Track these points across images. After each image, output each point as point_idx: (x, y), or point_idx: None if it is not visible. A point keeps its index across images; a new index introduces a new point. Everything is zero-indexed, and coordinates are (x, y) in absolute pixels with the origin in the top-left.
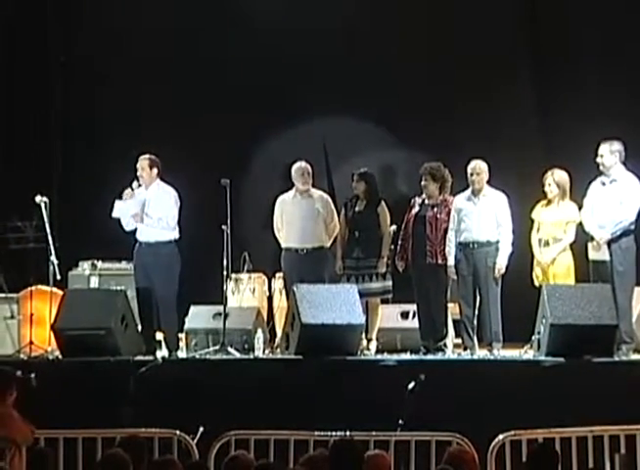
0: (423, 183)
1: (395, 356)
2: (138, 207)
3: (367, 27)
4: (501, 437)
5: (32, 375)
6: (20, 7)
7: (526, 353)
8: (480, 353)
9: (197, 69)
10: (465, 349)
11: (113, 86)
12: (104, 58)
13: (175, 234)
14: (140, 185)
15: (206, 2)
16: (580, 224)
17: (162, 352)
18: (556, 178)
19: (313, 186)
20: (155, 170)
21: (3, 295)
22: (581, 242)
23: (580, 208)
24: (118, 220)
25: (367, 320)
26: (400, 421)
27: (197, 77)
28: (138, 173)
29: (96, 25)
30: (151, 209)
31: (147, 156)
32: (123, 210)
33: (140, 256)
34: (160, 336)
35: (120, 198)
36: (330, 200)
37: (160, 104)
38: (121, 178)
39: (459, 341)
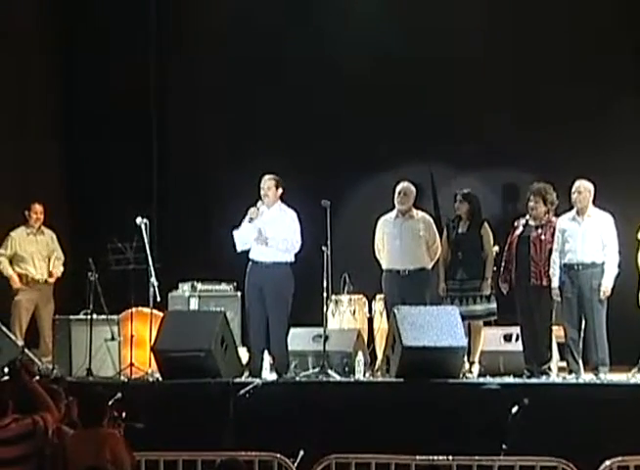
0: (532, 204)
1: (498, 380)
2: (256, 232)
3: (481, 45)
4: (608, 462)
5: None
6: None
7: (634, 377)
8: (586, 377)
9: (298, 91)
10: (570, 372)
11: (212, 108)
12: (204, 76)
13: (291, 257)
14: (263, 204)
15: (316, 24)
16: None
17: (271, 375)
18: None
19: (417, 207)
20: (280, 190)
21: (104, 316)
22: None
23: None
24: (232, 242)
25: (469, 343)
26: (504, 445)
27: (297, 97)
28: (263, 193)
29: (198, 48)
30: (271, 230)
31: (272, 176)
32: (244, 235)
33: (254, 276)
34: (268, 358)
35: (244, 218)
36: (432, 221)
37: (261, 126)
38: (221, 201)
39: (564, 364)
